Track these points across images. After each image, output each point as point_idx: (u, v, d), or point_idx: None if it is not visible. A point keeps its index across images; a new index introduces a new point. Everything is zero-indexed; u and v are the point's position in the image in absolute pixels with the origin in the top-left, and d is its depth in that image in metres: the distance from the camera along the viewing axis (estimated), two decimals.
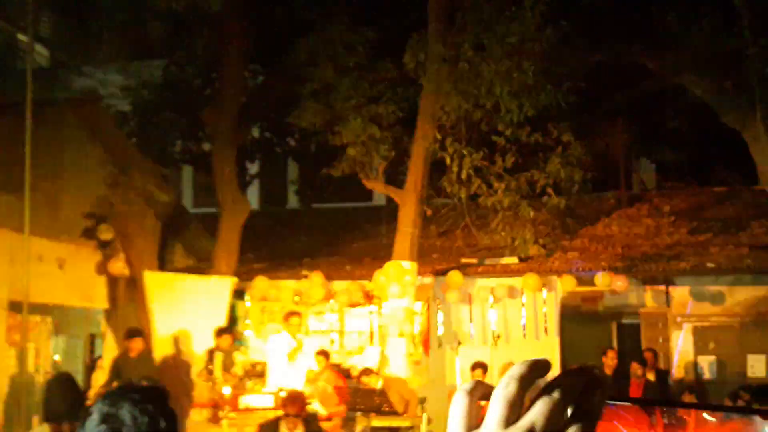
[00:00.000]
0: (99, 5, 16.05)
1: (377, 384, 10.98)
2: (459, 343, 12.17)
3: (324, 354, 11.48)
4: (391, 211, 14.02)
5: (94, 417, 2.05)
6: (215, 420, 9.85)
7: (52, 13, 17.37)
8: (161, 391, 2.24)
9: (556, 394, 0.69)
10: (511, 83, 12.11)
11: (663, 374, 12.63)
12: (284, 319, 11.91)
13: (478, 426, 0.70)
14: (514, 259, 13.69)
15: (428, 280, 12.79)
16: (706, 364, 13.85)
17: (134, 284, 12.89)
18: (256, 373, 11.79)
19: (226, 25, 14.06)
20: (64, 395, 9.52)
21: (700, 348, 13.92)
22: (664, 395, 11.89)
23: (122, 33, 16.62)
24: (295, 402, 8.29)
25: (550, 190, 12.83)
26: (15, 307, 10.90)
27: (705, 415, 0.72)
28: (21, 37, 15.63)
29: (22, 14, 11.26)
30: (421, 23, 12.82)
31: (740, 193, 16.11)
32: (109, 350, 13.04)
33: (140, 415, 2.05)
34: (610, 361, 12.52)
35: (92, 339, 14.23)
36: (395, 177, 13.61)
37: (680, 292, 13.84)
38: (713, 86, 13.39)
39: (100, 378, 12.07)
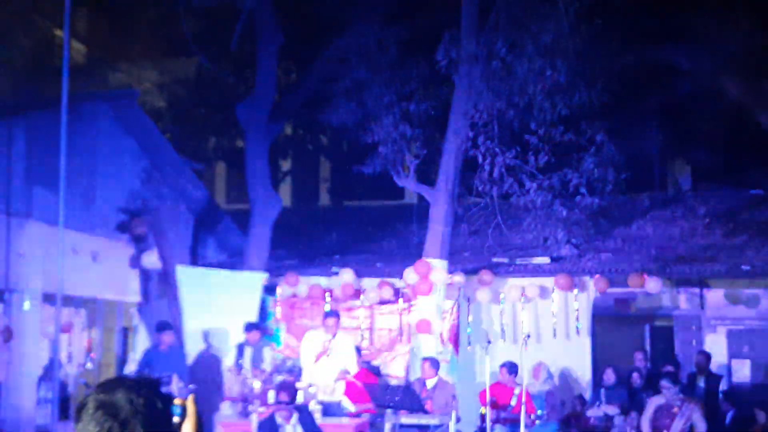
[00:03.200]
0: (134, 2, 16.21)
1: (431, 382, 10.93)
2: (489, 342, 12.09)
3: (355, 351, 11.47)
4: (422, 209, 13.99)
5: (89, 407, 2.02)
6: (245, 414, 9.89)
7: (89, 10, 17.55)
8: (154, 379, 2.23)
9: None
10: (545, 82, 12.03)
11: (714, 378, 12.31)
12: (322, 319, 11.80)
13: None
14: (546, 259, 13.61)
15: (459, 278, 12.74)
16: (740, 368, 13.67)
17: (166, 278, 12.99)
18: (286, 368, 11.81)
19: (260, 22, 14.12)
20: None
21: (734, 351, 13.75)
22: (709, 399, 11.65)
23: (157, 30, 16.76)
24: (287, 389, 8.51)
25: (583, 190, 12.72)
26: (49, 299, 11.04)
27: None
28: (58, 33, 15.82)
29: (60, 11, 11.39)
30: (454, 21, 12.76)
31: None
32: (141, 343, 13.16)
33: (136, 397, 2.02)
34: (638, 362, 12.45)
35: (125, 332, 14.36)
36: (427, 175, 13.56)
37: (714, 295, 13.67)
38: (749, 87, 13.21)
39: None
